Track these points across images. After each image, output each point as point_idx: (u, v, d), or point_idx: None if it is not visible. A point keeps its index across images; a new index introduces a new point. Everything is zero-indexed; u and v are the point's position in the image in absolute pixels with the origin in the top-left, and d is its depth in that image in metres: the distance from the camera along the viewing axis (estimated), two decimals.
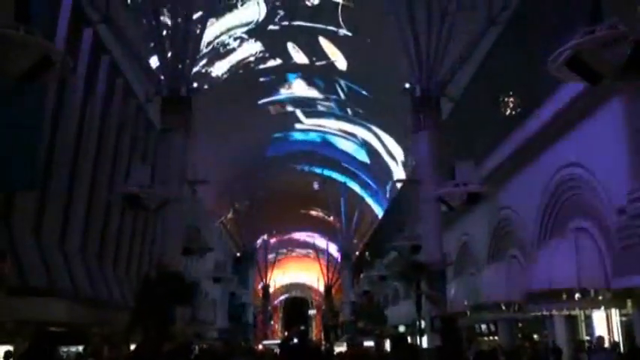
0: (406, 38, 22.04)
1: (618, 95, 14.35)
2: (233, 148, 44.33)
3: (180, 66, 22.14)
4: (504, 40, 22.03)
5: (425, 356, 16.35)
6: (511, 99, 22.51)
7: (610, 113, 14.96)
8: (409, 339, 18.96)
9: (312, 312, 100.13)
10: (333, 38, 37.65)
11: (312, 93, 44.84)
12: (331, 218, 60.05)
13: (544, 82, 16.21)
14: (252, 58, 39.39)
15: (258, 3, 35.07)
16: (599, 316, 17.09)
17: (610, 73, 9.05)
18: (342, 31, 36.42)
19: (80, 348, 19.35)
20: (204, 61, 35.48)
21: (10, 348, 16.42)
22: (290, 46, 39.26)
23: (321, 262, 72.10)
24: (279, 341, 31.97)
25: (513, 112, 22.18)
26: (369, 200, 56.09)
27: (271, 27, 36.71)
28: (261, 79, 41.24)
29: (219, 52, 37.07)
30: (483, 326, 25.11)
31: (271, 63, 40.38)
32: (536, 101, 18.82)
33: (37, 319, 16.78)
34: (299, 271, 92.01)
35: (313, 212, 65.49)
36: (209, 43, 34.54)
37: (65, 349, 19.91)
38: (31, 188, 17.24)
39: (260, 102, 43.78)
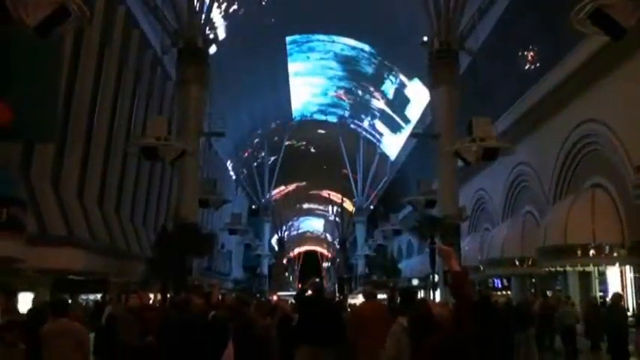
0: None
1: None
2: (253, 101, 44.11)
3: (195, 17, 21.99)
4: None
5: None
6: (530, 53, 22.16)
7: (631, 69, 14.72)
8: (420, 293, 19.12)
9: (325, 265, 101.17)
10: None
11: None
12: (347, 171, 59.63)
13: (565, 36, 15.92)
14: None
15: None
16: (612, 273, 17.12)
17: (634, 27, 8.88)
18: None
19: (99, 296, 19.71)
20: (221, 11, 35.03)
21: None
22: None
23: (335, 215, 72.28)
24: (294, 293, 32.34)
25: (532, 67, 21.86)
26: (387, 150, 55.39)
27: None
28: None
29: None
30: (497, 281, 25.26)
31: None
32: (556, 56, 18.51)
33: (56, 268, 17.09)
34: (314, 224, 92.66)
35: (330, 166, 65.19)
36: None
37: (84, 297, 20.31)
38: (50, 140, 17.34)
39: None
